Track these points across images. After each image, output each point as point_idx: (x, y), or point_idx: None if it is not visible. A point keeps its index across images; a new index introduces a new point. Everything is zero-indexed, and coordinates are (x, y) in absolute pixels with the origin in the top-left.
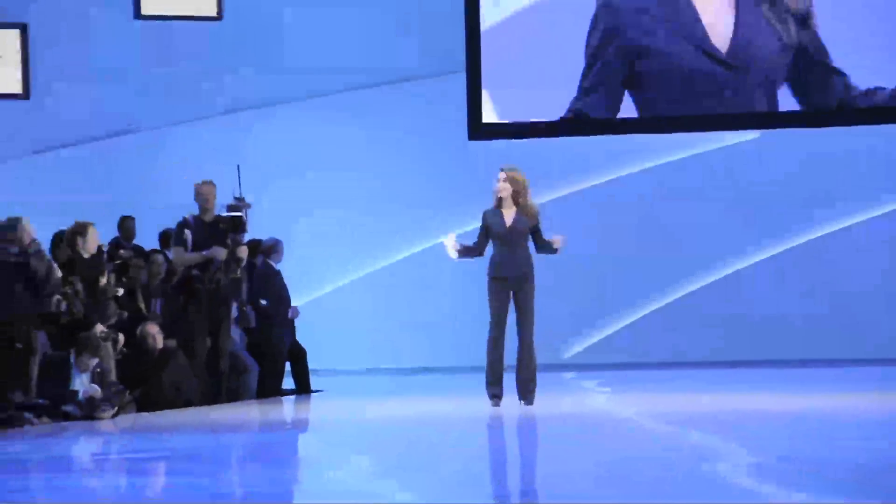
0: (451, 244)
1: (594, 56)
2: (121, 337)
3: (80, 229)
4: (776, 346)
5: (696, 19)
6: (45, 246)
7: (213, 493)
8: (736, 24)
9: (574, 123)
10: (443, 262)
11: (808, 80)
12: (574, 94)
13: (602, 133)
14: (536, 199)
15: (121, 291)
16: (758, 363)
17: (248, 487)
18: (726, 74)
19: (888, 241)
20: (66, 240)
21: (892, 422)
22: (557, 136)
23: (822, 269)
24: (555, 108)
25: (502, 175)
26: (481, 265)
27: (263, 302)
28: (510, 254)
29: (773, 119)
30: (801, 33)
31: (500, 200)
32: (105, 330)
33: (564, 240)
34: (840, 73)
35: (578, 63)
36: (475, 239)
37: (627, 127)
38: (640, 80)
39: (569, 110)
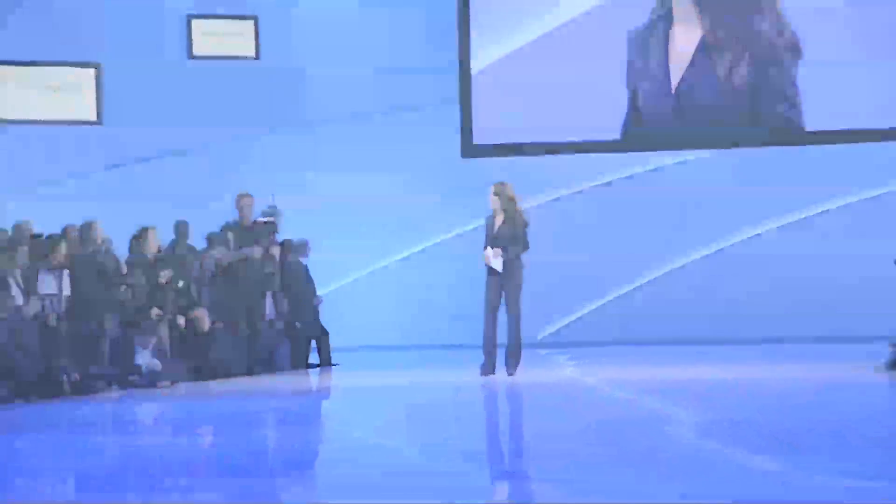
0: (490, 254)
1: (628, 87)
2: (180, 319)
3: (144, 232)
4: (733, 327)
5: (665, 64)
6: (123, 245)
7: (251, 447)
8: (686, 70)
9: (545, 145)
10: (441, 258)
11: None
12: (548, 121)
13: (568, 153)
14: (521, 203)
15: (181, 283)
16: (719, 342)
17: (281, 440)
18: (672, 112)
19: (843, 231)
20: (134, 240)
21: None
22: (532, 155)
23: (784, 258)
24: (535, 130)
25: (491, 189)
26: (478, 264)
27: (297, 325)
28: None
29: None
30: (762, 75)
31: (494, 210)
32: (160, 314)
33: (491, 253)
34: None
35: (548, 95)
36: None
37: (583, 147)
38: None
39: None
